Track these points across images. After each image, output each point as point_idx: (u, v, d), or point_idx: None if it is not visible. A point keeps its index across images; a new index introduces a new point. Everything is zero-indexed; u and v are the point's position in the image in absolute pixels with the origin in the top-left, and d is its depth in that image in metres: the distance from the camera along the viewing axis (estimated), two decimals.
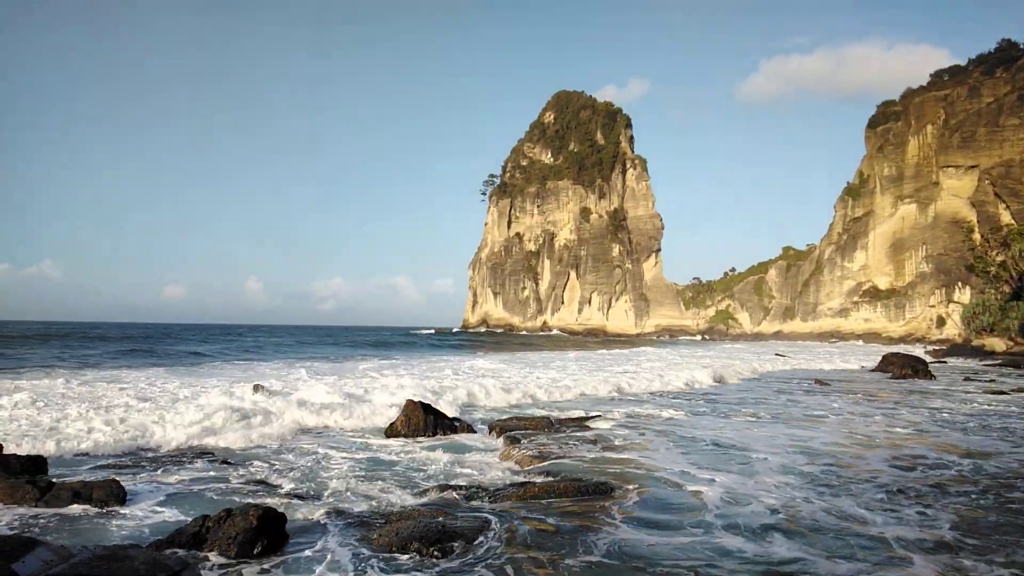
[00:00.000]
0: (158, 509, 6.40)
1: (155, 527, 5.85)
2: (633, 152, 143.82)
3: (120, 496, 6.51)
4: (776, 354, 48.04)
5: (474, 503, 6.77)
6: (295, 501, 6.68)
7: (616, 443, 10.16)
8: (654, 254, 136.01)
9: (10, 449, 8.02)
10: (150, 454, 9.00)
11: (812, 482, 7.76)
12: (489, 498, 6.93)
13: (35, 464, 7.73)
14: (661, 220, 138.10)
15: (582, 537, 5.66)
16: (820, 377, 25.58)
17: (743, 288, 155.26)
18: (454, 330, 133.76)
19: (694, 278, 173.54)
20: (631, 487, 7.39)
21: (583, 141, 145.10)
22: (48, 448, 8.69)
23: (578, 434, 10.90)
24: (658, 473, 8.15)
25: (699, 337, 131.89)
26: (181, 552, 4.96)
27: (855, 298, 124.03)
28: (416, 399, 11.74)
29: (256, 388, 14.42)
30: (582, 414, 13.41)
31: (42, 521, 5.90)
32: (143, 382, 17.56)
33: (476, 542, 5.41)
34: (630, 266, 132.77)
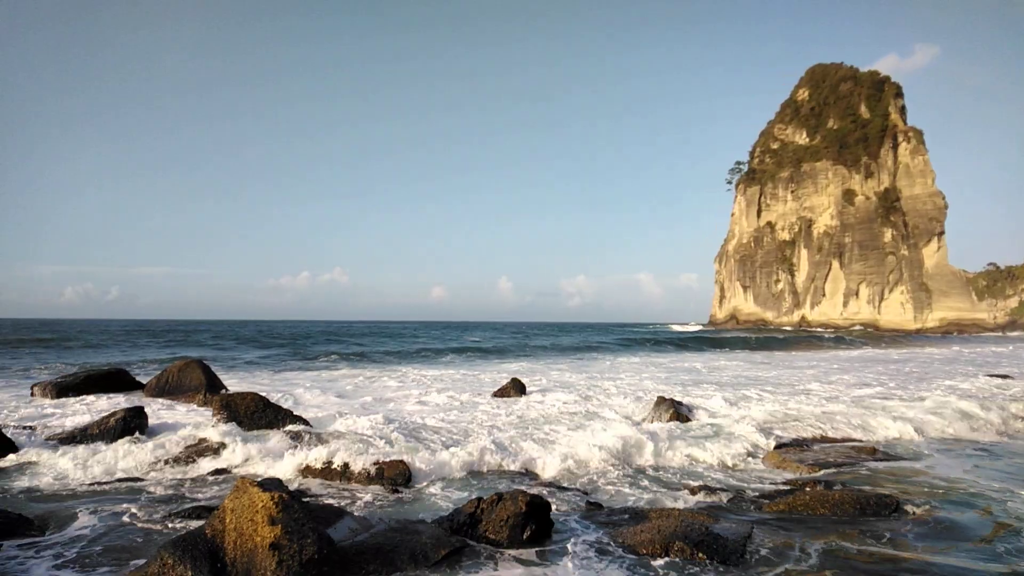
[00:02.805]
0: (438, 489, 6.99)
1: (436, 505, 6.41)
2: (906, 124, 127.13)
3: (407, 476, 7.26)
4: None
5: (737, 508, 6.44)
6: (560, 491, 6.90)
7: (902, 453, 9.04)
8: (936, 237, 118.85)
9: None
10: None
11: None
12: (754, 504, 6.55)
13: (338, 439, 9.00)
14: (944, 199, 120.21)
15: (859, 554, 5.10)
16: None
17: None
18: (694, 326, 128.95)
19: (989, 264, 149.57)
20: (920, 504, 6.49)
21: (844, 117, 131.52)
22: None
23: (856, 443, 9.88)
24: (952, 490, 7.07)
25: (999, 332, 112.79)
26: (456, 535, 5.37)
27: None
28: (667, 397, 11.54)
29: (516, 385, 15.24)
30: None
31: (347, 495, 6.76)
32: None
33: (741, 548, 5.13)
34: (906, 252, 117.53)
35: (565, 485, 7.28)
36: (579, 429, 10.63)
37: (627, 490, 7.13)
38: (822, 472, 7.87)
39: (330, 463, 7.76)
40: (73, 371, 17.37)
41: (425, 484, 7.19)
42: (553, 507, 6.01)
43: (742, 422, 11.14)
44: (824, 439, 10.28)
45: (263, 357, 32.77)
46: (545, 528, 5.41)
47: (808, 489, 6.93)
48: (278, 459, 8.36)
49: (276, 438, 9.25)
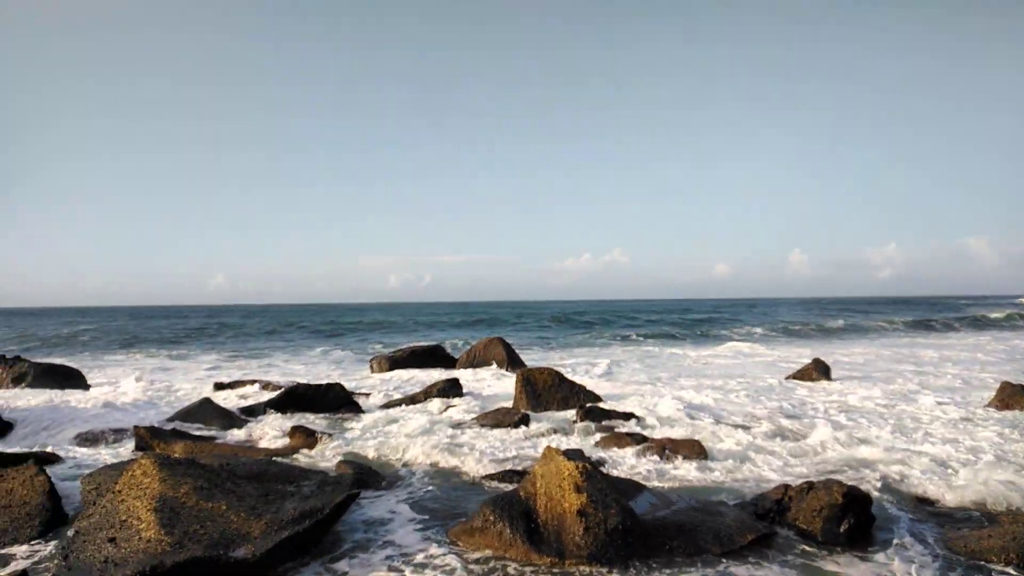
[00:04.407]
0: (732, 473, 6.70)
1: (732, 489, 6.14)
2: None
3: (702, 456, 7.10)
4: None
5: None
6: (880, 484, 6.19)
7: None
8: None
9: None
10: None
11: None
12: None
13: (629, 416, 9.20)
14: None
15: None
16: None
17: None
18: None
19: None
20: None
21: None
22: None
23: None
24: None
25: None
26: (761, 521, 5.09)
27: None
28: (1014, 383, 9.71)
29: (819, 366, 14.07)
30: None
31: (638, 469, 6.79)
32: None
33: None
34: None
35: (886, 477, 6.48)
36: (897, 417, 9.50)
37: (962, 486, 6.11)
38: None
39: (620, 437, 7.90)
40: (400, 347, 20.08)
41: (719, 466, 6.93)
42: (878, 499, 5.41)
43: None
44: None
45: (555, 335, 34.78)
46: (865, 524, 4.88)
47: None
48: (574, 430, 8.76)
49: (572, 411, 9.71)
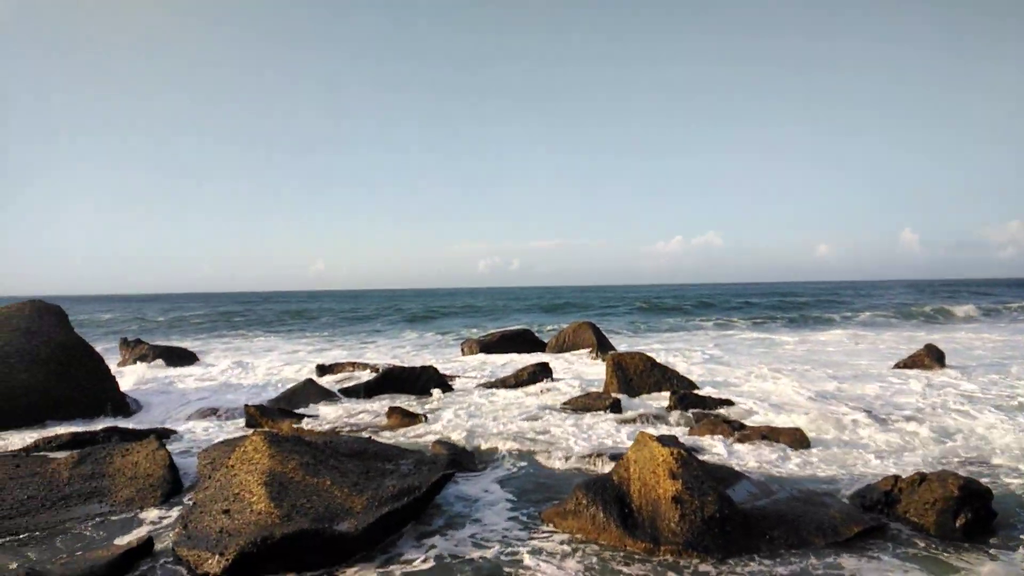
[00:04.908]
0: (839, 458, 6.41)
1: (833, 479, 5.87)
2: None
3: (803, 445, 6.83)
4: None
5: None
6: (998, 478, 5.77)
7: None
8: None
9: None
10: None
11: None
12: None
13: (725, 403, 9.00)
14: None
15: None
16: None
17: None
18: None
19: None
20: None
21: None
22: None
23: None
24: None
25: None
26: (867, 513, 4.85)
27: None
28: None
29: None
30: None
31: (734, 457, 6.60)
32: None
33: None
34: None
35: (1008, 471, 6.03)
36: (1019, 407, 8.85)
37: None
38: None
39: (716, 424, 7.70)
40: (490, 331, 20.35)
41: (822, 456, 6.63)
42: (1000, 493, 5.04)
43: None
44: None
45: (646, 319, 34.31)
46: (984, 519, 4.56)
47: None
48: (667, 417, 8.62)
49: (665, 397, 9.55)
